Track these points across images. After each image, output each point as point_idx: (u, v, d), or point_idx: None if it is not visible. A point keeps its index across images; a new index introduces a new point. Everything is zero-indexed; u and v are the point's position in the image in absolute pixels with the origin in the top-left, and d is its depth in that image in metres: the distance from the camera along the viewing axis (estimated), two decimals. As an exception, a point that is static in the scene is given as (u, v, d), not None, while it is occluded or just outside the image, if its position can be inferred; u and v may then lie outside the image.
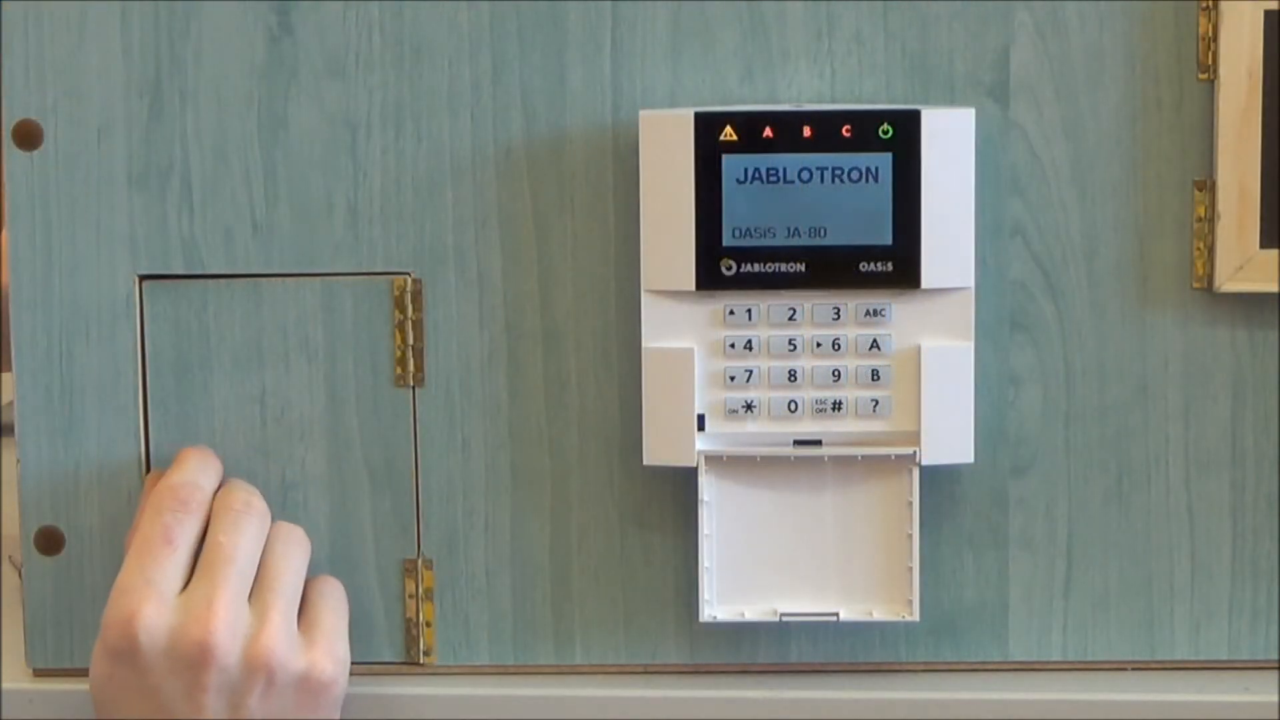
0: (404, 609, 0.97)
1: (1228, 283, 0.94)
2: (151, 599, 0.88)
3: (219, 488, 0.94)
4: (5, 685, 0.97)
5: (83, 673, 0.96)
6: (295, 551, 0.92)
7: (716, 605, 0.95)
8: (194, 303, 0.95)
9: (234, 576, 0.89)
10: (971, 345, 0.93)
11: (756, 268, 0.92)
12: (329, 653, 0.91)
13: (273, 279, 0.95)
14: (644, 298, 0.93)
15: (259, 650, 0.88)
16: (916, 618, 0.95)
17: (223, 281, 0.95)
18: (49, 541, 0.97)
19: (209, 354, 0.95)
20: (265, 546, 0.92)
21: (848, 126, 0.91)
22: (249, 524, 0.91)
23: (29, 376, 0.96)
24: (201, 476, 0.93)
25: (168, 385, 0.96)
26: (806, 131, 0.91)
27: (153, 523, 0.90)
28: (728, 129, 0.91)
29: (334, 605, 0.93)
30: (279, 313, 0.95)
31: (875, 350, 0.93)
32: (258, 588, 0.90)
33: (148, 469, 0.97)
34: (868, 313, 0.93)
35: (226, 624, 0.88)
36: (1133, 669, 0.98)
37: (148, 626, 0.88)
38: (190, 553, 0.90)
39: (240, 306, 0.95)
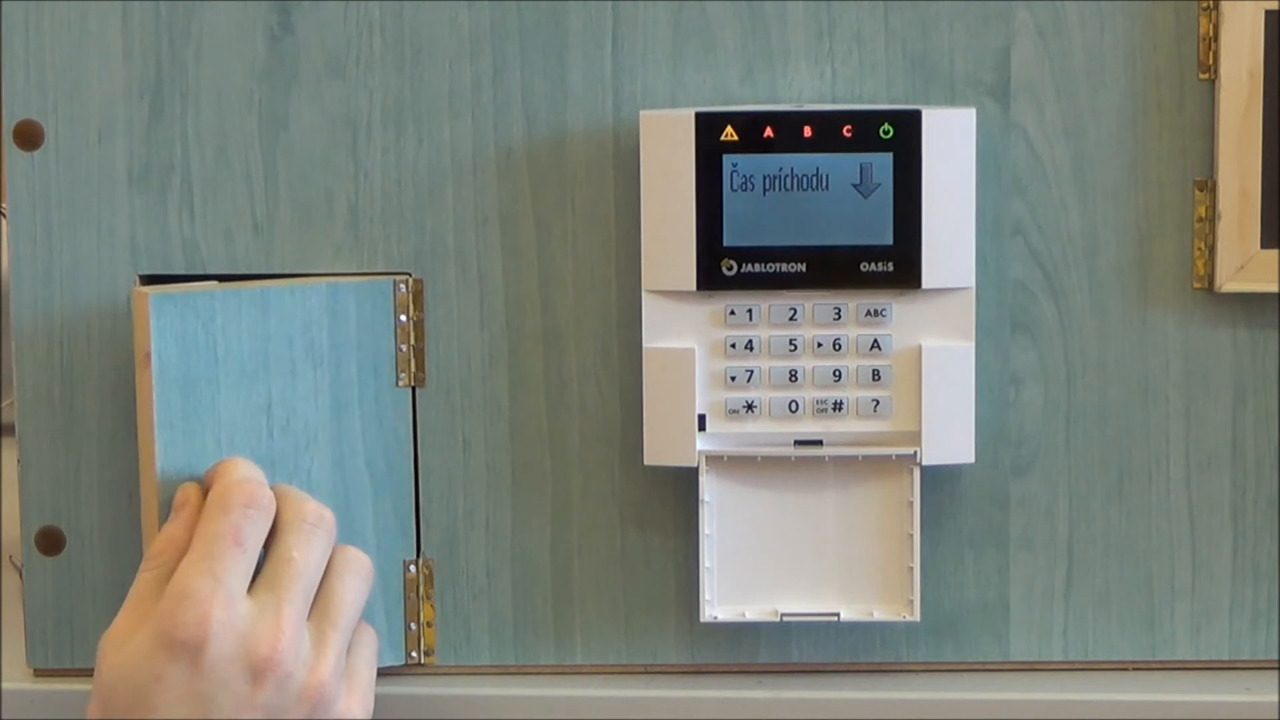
0: (404, 609, 0.97)
1: (1228, 283, 0.94)
2: (222, 601, 0.84)
3: None
4: (5, 685, 0.97)
5: (83, 673, 0.96)
6: (362, 586, 0.89)
7: (717, 605, 0.95)
8: (201, 313, 0.91)
9: (301, 595, 0.86)
10: (972, 345, 0.93)
11: (757, 268, 0.92)
12: (363, 702, 0.88)
13: (280, 286, 0.93)
14: (645, 298, 0.93)
15: (315, 682, 0.85)
16: (917, 618, 0.95)
17: (229, 289, 0.92)
18: (49, 541, 0.97)
19: (216, 366, 0.91)
20: (332, 570, 0.88)
21: (848, 126, 0.91)
22: (320, 540, 0.88)
23: (29, 376, 0.96)
24: (262, 476, 0.90)
25: (174, 400, 0.90)
26: (807, 131, 0.91)
27: (221, 520, 0.86)
28: (728, 129, 0.91)
29: (369, 657, 0.90)
30: (286, 320, 0.93)
31: (876, 350, 0.93)
32: (318, 613, 0.87)
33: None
34: (868, 313, 0.93)
35: (292, 644, 0.85)
36: (1133, 669, 0.98)
37: (217, 630, 0.84)
38: (257, 555, 0.87)
39: (247, 315, 0.92)
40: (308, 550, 0.87)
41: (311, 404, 0.93)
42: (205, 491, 0.89)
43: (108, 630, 0.87)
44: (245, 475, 0.88)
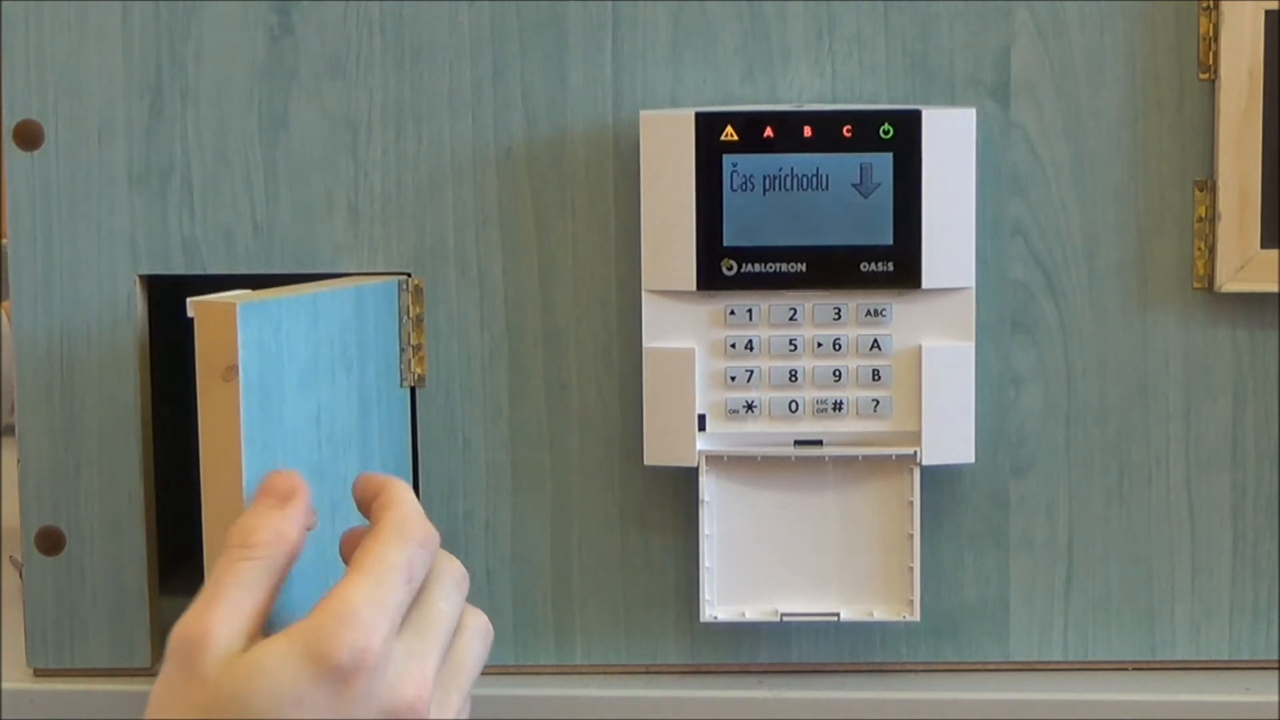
0: (404, 609, 0.97)
1: (1228, 283, 0.94)
2: (385, 635, 0.78)
3: None
4: (5, 685, 0.97)
5: (83, 673, 0.96)
6: (485, 653, 0.84)
7: (717, 605, 0.95)
8: (272, 322, 0.84)
9: (442, 649, 0.81)
10: (972, 345, 0.93)
11: (757, 268, 0.92)
12: None
13: (325, 290, 0.89)
14: (645, 298, 0.93)
15: None
16: (917, 618, 0.95)
17: (290, 294, 0.87)
18: (49, 541, 0.97)
19: (282, 376, 0.85)
20: (465, 631, 0.83)
21: (848, 126, 0.91)
22: (460, 598, 0.82)
23: (29, 376, 0.96)
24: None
25: (255, 414, 0.83)
26: (807, 131, 0.91)
27: (400, 551, 0.79)
28: (728, 129, 0.91)
29: None
30: (328, 324, 0.89)
31: (876, 350, 0.93)
32: (447, 671, 0.81)
33: (147, 469, 0.97)
34: (868, 313, 0.93)
35: (430, 698, 0.79)
36: (1133, 669, 0.98)
37: (376, 664, 0.77)
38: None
39: (303, 321, 0.87)
40: (453, 604, 0.82)
41: (345, 409, 0.90)
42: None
43: (196, 617, 0.76)
44: (417, 507, 0.83)
